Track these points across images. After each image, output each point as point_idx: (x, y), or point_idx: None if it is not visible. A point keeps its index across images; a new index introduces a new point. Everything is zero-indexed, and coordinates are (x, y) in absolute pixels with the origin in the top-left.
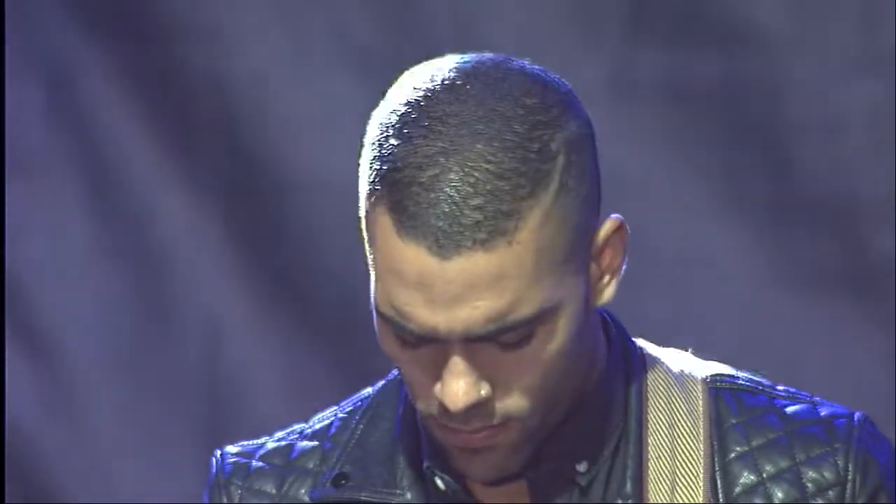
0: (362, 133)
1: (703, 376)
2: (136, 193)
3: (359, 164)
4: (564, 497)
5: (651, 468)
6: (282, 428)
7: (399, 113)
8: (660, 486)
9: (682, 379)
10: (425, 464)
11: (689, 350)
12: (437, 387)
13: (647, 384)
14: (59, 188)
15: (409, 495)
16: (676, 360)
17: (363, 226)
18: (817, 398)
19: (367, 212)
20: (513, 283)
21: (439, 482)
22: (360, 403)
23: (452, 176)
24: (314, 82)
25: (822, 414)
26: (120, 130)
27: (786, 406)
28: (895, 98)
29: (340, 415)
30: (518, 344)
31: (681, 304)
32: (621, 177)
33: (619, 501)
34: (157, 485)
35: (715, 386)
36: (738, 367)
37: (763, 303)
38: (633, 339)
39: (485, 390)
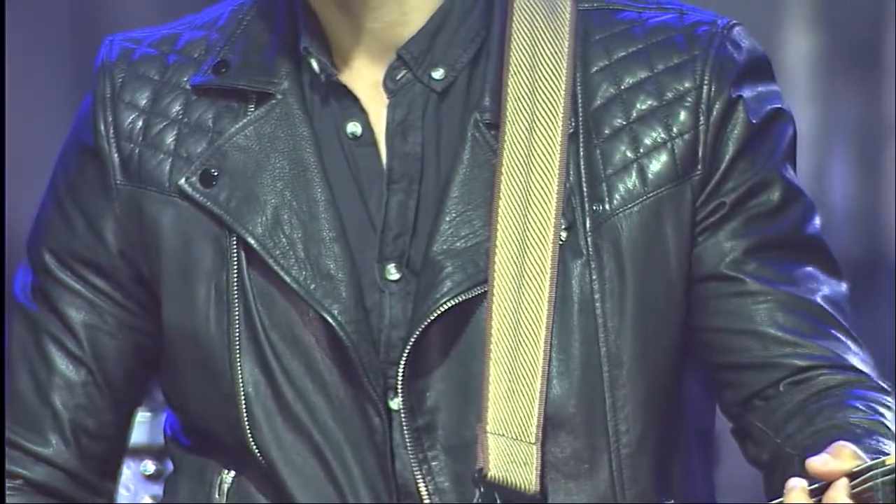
0: None
1: None
2: None
3: None
4: (421, 104)
5: (511, 84)
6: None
7: None
8: (519, 103)
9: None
10: (302, 45)
11: None
12: None
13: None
14: None
15: (286, 84)
16: None
17: None
18: (688, 6)
19: None
20: None
21: (314, 63)
22: None
23: None
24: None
25: (687, 22)
26: None
27: (652, 17)
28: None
29: (231, 7)
30: None
31: None
32: None
33: (477, 115)
34: None
35: (584, 6)
36: None
37: None
38: None
39: None
